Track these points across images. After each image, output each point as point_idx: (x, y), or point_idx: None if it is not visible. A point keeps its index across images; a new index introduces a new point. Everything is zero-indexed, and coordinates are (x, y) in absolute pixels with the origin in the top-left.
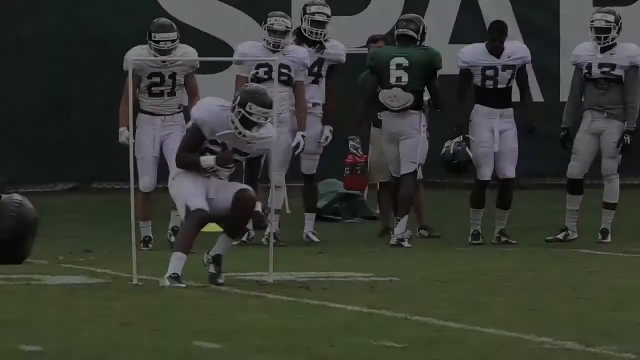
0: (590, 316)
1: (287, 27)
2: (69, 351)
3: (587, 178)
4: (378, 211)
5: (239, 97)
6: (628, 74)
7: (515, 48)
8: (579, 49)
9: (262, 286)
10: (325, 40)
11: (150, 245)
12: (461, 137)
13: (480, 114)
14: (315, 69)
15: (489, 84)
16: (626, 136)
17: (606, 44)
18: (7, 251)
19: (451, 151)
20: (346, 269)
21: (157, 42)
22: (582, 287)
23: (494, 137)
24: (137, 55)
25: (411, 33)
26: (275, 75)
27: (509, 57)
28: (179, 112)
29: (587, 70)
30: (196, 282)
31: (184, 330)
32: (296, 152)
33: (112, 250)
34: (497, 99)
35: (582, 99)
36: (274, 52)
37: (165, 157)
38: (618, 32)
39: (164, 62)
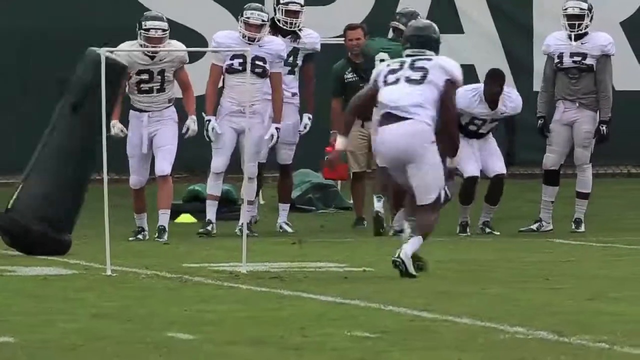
0: (564, 306)
1: (263, 20)
2: (42, 342)
3: (561, 167)
4: (352, 201)
5: None
6: (600, 63)
7: (510, 106)
8: (550, 38)
9: (235, 277)
10: (300, 30)
11: (140, 237)
12: None
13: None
14: (291, 59)
15: (472, 127)
16: (602, 126)
17: (579, 32)
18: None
19: None
20: (320, 260)
21: (148, 30)
22: (556, 276)
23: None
24: (126, 46)
25: (401, 27)
26: (248, 66)
27: (501, 114)
28: (168, 107)
29: (558, 60)
30: (169, 272)
31: (157, 321)
32: (269, 144)
33: (86, 242)
34: (475, 135)
35: (555, 89)
36: (250, 44)
37: (154, 153)
38: (590, 21)
39: (152, 58)
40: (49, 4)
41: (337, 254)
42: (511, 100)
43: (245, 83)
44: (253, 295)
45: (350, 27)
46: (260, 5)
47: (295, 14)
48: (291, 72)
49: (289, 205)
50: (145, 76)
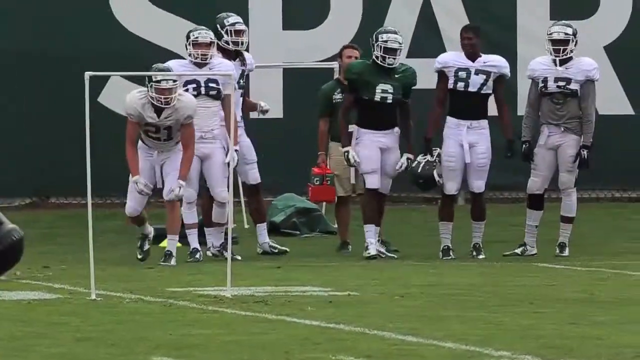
0: (548, 330)
1: (211, 38)
2: None
3: (545, 192)
4: (336, 225)
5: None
6: (584, 88)
7: (494, 58)
8: (534, 62)
9: (220, 301)
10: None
11: (146, 244)
12: (430, 155)
13: (450, 126)
14: (242, 81)
15: (460, 86)
16: (583, 150)
17: (564, 57)
18: None
19: (419, 169)
20: (304, 284)
21: (159, 81)
22: (540, 300)
23: (462, 150)
24: (136, 103)
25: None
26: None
27: (484, 63)
28: (177, 143)
29: (543, 84)
30: (154, 297)
31: (141, 345)
32: (231, 167)
33: (70, 266)
34: (467, 107)
35: (539, 113)
36: (201, 66)
37: (163, 178)
38: (575, 45)
39: (158, 116)
40: (32, 27)
41: (321, 277)
42: (491, 59)
43: (201, 107)
44: (238, 320)
45: (349, 47)
46: (203, 27)
47: (241, 33)
48: (242, 94)
49: (265, 223)
50: (152, 128)
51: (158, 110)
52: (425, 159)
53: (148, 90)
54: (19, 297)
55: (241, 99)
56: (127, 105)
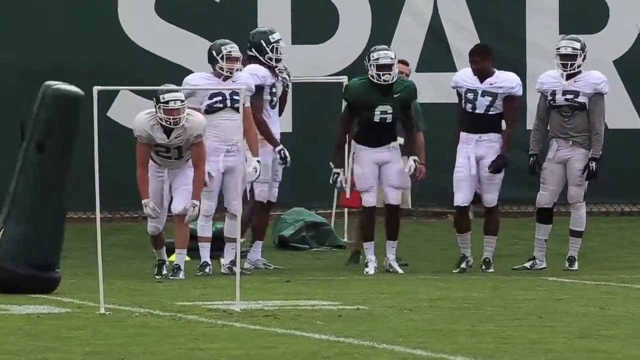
0: (557, 344)
1: (239, 52)
2: None
3: (554, 205)
4: (345, 239)
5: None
6: (592, 102)
7: (504, 77)
8: (543, 76)
9: (229, 315)
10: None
11: (164, 271)
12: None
13: (461, 140)
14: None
15: (469, 107)
16: (591, 163)
17: (572, 71)
18: None
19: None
20: (313, 298)
21: (167, 102)
22: (549, 314)
23: (469, 161)
24: (145, 125)
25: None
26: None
27: (491, 84)
28: (187, 160)
29: (551, 98)
30: (163, 311)
31: (150, 359)
32: (253, 178)
33: (79, 280)
34: (476, 124)
35: (548, 127)
36: (226, 79)
37: (172, 194)
38: (583, 60)
39: (168, 137)
40: (40, 41)
41: (330, 291)
42: (501, 77)
43: (227, 119)
44: (247, 334)
45: (400, 62)
46: (229, 40)
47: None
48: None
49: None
50: (162, 149)
51: (167, 131)
52: None
53: (156, 111)
54: (28, 311)
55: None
56: (136, 127)
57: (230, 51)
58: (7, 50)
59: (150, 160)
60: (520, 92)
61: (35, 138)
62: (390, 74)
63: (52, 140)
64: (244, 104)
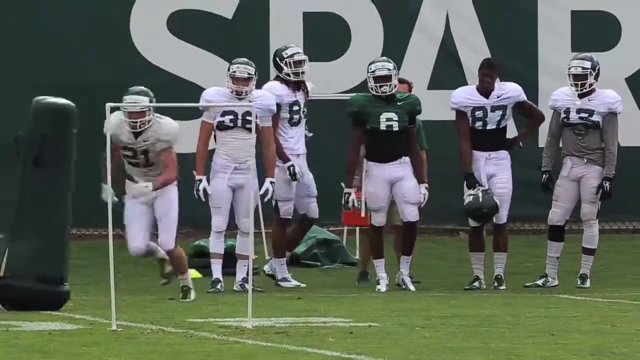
0: None
1: (249, 73)
2: None
3: (566, 223)
4: (357, 256)
5: None
6: (606, 121)
7: (508, 89)
8: (557, 93)
9: (241, 332)
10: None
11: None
12: (480, 185)
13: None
14: (305, 110)
15: (479, 125)
16: (605, 183)
17: (584, 90)
18: None
19: (480, 200)
20: (325, 315)
21: (127, 105)
22: (561, 332)
23: (481, 181)
24: (114, 122)
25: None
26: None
27: (498, 97)
28: (160, 174)
29: (565, 115)
30: (175, 328)
31: None
32: (265, 199)
33: (91, 297)
34: (486, 141)
35: (561, 144)
36: (239, 99)
37: (158, 224)
38: (596, 78)
39: (136, 137)
40: (49, 57)
41: (342, 308)
42: (505, 88)
43: (237, 139)
44: (259, 351)
45: (400, 81)
46: (246, 59)
47: (301, 63)
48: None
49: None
50: (129, 152)
51: (136, 134)
52: (479, 189)
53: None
54: (40, 327)
55: (304, 129)
56: (106, 125)
57: (234, 71)
58: (23, 69)
59: (128, 182)
60: (524, 97)
61: (30, 154)
62: (388, 85)
63: (46, 154)
64: (259, 125)
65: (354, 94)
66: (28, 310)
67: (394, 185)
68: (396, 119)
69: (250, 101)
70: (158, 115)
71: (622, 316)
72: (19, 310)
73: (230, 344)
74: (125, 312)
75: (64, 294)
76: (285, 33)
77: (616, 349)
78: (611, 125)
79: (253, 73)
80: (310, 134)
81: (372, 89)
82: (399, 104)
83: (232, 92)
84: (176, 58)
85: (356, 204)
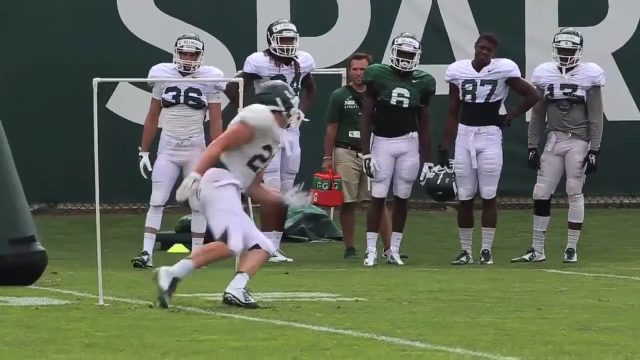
0: (556, 335)
1: (197, 48)
2: None
3: (552, 198)
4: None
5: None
6: (590, 94)
7: (499, 63)
8: (539, 69)
9: (228, 307)
10: (296, 56)
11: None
12: (447, 166)
13: (460, 133)
14: (295, 84)
15: (468, 98)
16: (591, 156)
17: (571, 65)
18: None
19: (437, 181)
20: (312, 289)
21: (182, 46)
22: (548, 306)
23: (470, 156)
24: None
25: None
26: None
27: (489, 72)
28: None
29: (549, 92)
30: None
31: (150, 351)
32: None
33: (78, 272)
34: (475, 115)
35: (546, 119)
36: (184, 74)
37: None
38: (581, 53)
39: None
40: (41, 34)
41: (329, 283)
42: (497, 63)
43: (179, 116)
44: (246, 325)
45: (355, 57)
46: (194, 34)
47: (289, 40)
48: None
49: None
50: (266, 153)
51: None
52: (443, 170)
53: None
54: (27, 302)
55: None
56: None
57: (182, 45)
58: (10, 46)
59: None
60: (518, 74)
61: None
62: (409, 62)
63: None
64: (206, 101)
65: (341, 69)
66: (13, 281)
67: (397, 160)
68: (408, 95)
69: (193, 77)
70: None
71: (608, 290)
72: (3, 284)
73: (218, 319)
74: (113, 287)
75: (40, 253)
76: (273, 8)
77: (603, 323)
78: (596, 99)
79: (201, 48)
80: (307, 120)
81: (392, 60)
82: (414, 81)
83: (179, 67)
84: (164, 34)
85: (372, 170)
